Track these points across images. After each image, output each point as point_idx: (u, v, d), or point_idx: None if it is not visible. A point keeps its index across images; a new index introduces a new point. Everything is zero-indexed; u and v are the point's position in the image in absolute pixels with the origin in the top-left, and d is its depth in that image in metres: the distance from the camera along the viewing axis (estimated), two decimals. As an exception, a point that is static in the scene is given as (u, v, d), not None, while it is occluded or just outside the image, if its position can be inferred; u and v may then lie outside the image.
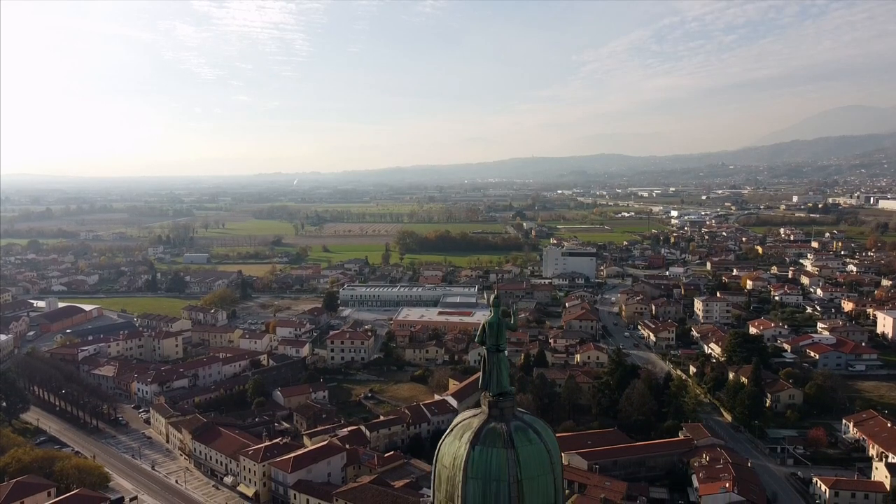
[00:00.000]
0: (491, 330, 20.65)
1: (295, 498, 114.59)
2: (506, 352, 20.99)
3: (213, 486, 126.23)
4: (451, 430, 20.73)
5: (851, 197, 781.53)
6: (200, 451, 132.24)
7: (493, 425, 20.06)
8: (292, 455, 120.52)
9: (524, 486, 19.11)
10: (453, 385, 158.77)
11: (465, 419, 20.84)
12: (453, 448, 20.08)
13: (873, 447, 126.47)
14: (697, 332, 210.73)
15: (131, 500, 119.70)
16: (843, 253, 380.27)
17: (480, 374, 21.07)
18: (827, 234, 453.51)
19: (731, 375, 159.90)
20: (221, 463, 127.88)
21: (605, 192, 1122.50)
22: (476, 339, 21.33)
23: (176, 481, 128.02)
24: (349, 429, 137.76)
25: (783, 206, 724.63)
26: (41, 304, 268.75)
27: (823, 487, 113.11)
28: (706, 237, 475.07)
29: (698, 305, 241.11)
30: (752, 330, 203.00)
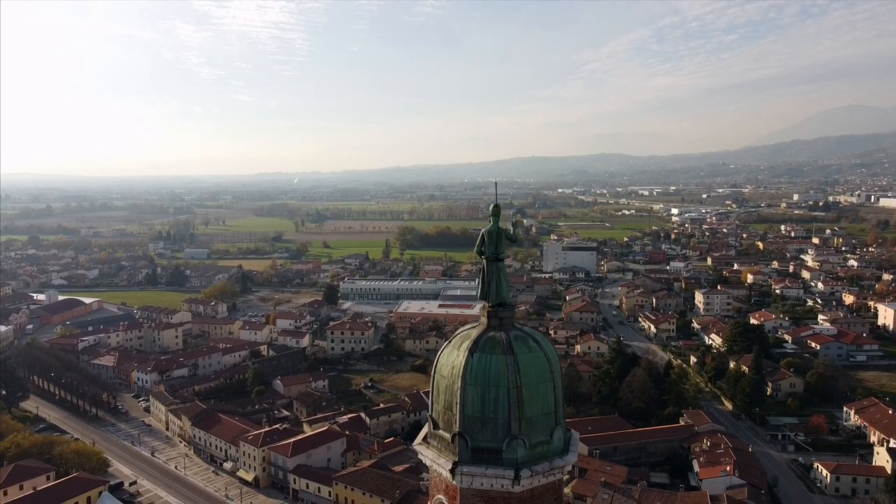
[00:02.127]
0: (490, 238, 20.31)
1: (295, 482, 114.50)
2: (505, 261, 20.69)
3: (212, 471, 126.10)
4: (450, 341, 20.47)
5: (852, 195, 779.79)
6: (200, 438, 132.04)
7: (493, 334, 19.78)
8: (292, 440, 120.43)
9: (524, 392, 18.82)
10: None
11: (463, 331, 20.57)
12: (451, 357, 19.81)
13: (874, 433, 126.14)
14: (698, 324, 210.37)
15: (130, 484, 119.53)
16: (843, 249, 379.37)
17: (479, 284, 20.77)
18: (828, 231, 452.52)
19: (731, 364, 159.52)
20: (221, 449, 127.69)
21: (605, 191, 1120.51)
22: (475, 250, 20.95)
23: (175, 467, 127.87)
24: (349, 416, 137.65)
25: (784, 205, 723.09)
26: (41, 297, 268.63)
27: (825, 472, 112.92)
28: (707, 234, 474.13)
29: (699, 298, 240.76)
30: (753, 321, 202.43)
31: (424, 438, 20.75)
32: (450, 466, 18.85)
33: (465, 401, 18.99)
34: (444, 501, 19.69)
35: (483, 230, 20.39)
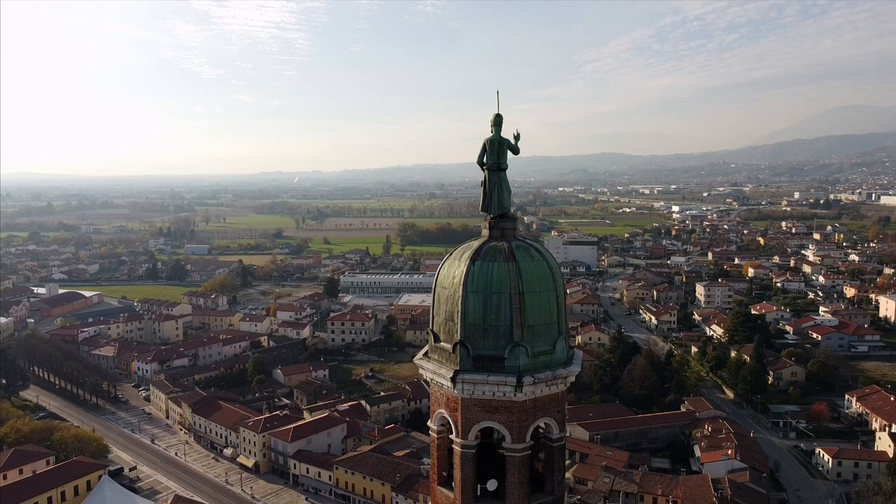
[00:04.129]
0: (492, 147, 19.91)
1: (295, 467, 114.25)
2: (507, 171, 20.33)
3: (212, 458, 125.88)
4: (451, 254, 20.13)
5: (853, 194, 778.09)
6: (200, 425, 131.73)
7: (494, 244, 19.45)
8: (292, 426, 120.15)
9: (526, 299, 18.47)
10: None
11: (465, 244, 20.23)
12: (453, 268, 19.47)
13: (876, 420, 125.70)
14: (699, 316, 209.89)
15: (130, 470, 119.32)
16: (844, 244, 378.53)
17: (481, 196, 20.38)
18: (829, 228, 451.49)
19: (732, 354, 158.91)
20: (221, 435, 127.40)
21: (606, 190, 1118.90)
22: (476, 160, 20.52)
23: (175, 454, 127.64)
24: (349, 404, 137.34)
25: (785, 202, 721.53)
26: (41, 290, 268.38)
27: (826, 457, 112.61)
28: (708, 230, 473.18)
29: (700, 290, 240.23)
30: (754, 313, 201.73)
31: (425, 354, 20.40)
32: (451, 375, 18.49)
33: (466, 309, 18.64)
34: (446, 415, 19.33)
35: (485, 139, 20.02)
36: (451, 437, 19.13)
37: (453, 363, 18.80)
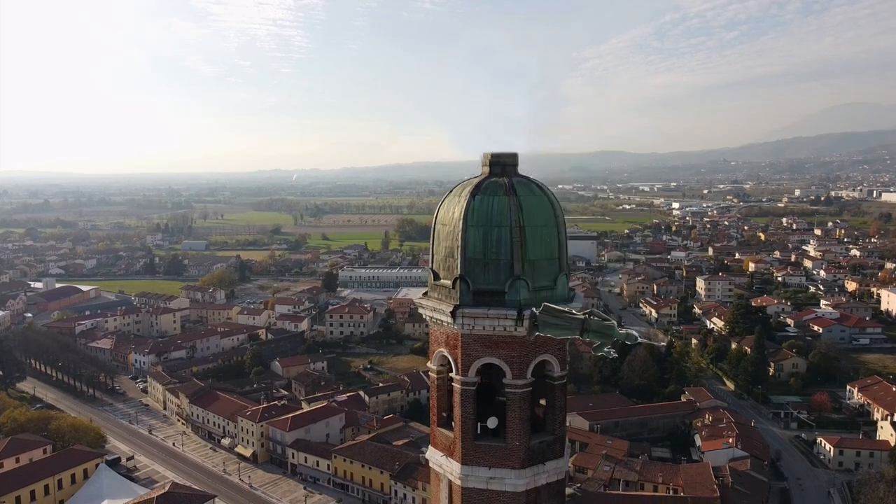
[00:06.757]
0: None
1: (293, 457, 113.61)
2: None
3: (210, 448, 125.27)
4: (450, 191, 19.45)
5: (854, 190, 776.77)
6: (198, 415, 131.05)
7: (494, 179, 18.78)
8: (290, 415, 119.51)
9: (526, 232, 17.85)
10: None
11: (463, 181, 19.53)
12: (452, 204, 18.83)
13: (878, 410, 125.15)
14: (699, 309, 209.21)
15: (128, 460, 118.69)
16: (845, 240, 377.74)
17: None
18: (830, 223, 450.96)
19: (733, 346, 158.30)
20: (219, 425, 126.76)
21: (605, 187, 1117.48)
22: None
23: (173, 444, 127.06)
24: (348, 395, 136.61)
25: (785, 199, 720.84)
26: (38, 284, 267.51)
27: (828, 447, 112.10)
28: (708, 226, 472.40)
29: (700, 284, 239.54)
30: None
31: (425, 294, 19.74)
32: (450, 310, 17.80)
33: (466, 243, 17.96)
34: (446, 353, 18.66)
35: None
36: (451, 375, 18.47)
37: (453, 299, 18.13)
